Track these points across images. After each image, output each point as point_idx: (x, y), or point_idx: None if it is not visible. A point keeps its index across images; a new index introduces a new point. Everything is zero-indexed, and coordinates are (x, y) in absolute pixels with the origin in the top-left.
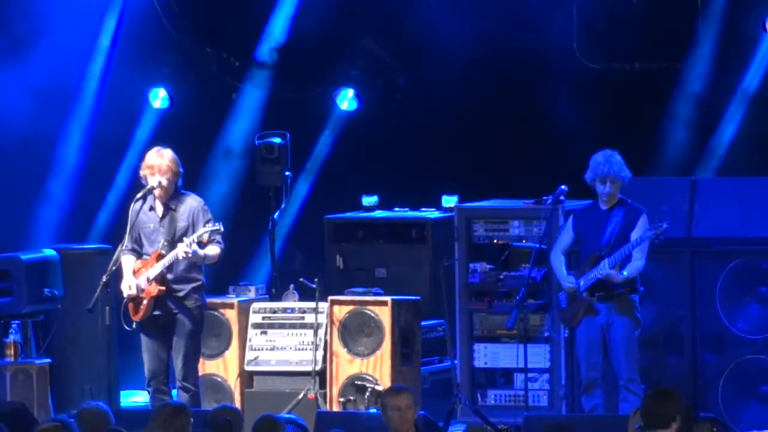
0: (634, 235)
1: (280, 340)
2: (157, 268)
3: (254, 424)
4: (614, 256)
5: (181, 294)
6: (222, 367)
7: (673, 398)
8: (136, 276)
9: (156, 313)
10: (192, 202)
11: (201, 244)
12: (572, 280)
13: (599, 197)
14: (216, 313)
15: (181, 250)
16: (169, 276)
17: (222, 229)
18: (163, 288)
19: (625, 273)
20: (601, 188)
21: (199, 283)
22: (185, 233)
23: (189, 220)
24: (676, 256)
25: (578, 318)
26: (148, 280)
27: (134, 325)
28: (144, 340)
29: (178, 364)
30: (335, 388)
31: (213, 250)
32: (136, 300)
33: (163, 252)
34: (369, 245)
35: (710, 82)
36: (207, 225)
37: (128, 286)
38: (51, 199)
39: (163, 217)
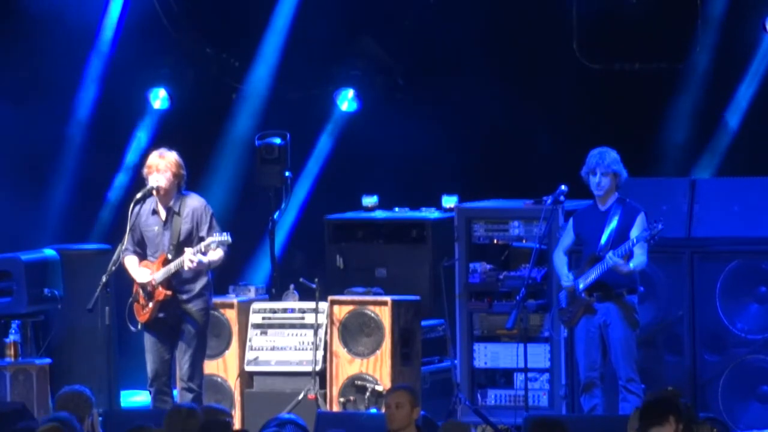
0: (633, 235)
1: (280, 341)
2: (162, 273)
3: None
4: (618, 249)
5: (188, 296)
6: (222, 368)
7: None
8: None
9: (162, 314)
10: (194, 203)
11: (206, 251)
12: (570, 278)
13: (594, 194)
14: (216, 313)
15: (186, 259)
16: (175, 279)
17: (230, 240)
18: (170, 292)
19: (631, 265)
20: (592, 181)
21: (206, 281)
22: (189, 235)
23: (192, 222)
24: (676, 256)
25: (577, 318)
26: (153, 284)
27: (140, 326)
28: (148, 341)
29: (183, 364)
30: (335, 389)
31: (217, 254)
32: (141, 301)
33: (169, 256)
34: (369, 245)
35: (710, 83)
36: (213, 233)
37: (142, 276)
38: (51, 199)
39: (166, 220)
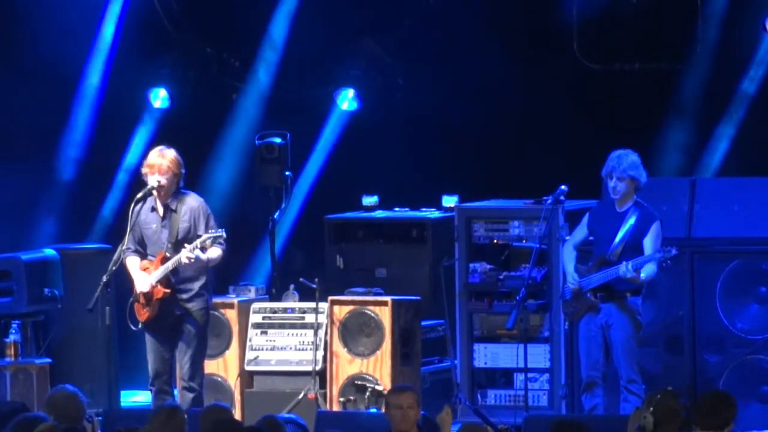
0: (646, 242)
1: (280, 340)
2: (161, 272)
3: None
4: (635, 261)
5: (187, 295)
6: (222, 367)
7: (733, 403)
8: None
9: (161, 313)
10: (192, 202)
11: (203, 248)
12: (577, 279)
13: (611, 196)
14: (216, 313)
15: (184, 255)
16: (174, 278)
17: (224, 235)
18: (168, 290)
19: (643, 275)
20: (608, 184)
21: (205, 280)
22: (187, 234)
23: (190, 221)
24: (676, 257)
25: (580, 314)
26: (152, 284)
27: (140, 326)
28: (149, 341)
29: (184, 364)
30: (335, 388)
31: (215, 252)
32: (142, 301)
33: (168, 254)
34: (369, 245)
35: (710, 83)
36: (210, 230)
37: (142, 283)
38: (51, 198)
39: (164, 217)
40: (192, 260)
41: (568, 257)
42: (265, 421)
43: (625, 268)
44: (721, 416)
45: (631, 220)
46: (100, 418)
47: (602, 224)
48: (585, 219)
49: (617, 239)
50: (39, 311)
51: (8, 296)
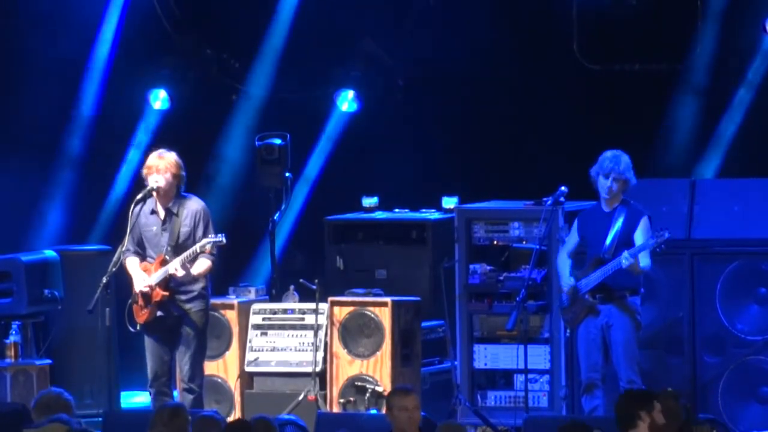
0: (637, 237)
1: (280, 341)
2: (160, 274)
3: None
4: (632, 250)
5: (186, 296)
6: (222, 368)
7: (633, 398)
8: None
9: (160, 315)
10: (194, 206)
11: (202, 251)
12: (572, 281)
13: (600, 195)
14: (216, 314)
15: (171, 268)
16: (173, 281)
17: (224, 241)
18: (167, 293)
19: (642, 263)
20: (603, 183)
21: (204, 282)
22: (188, 237)
23: (191, 224)
24: (676, 258)
25: (580, 318)
26: (151, 285)
27: (138, 327)
28: (148, 342)
29: (183, 365)
30: (335, 389)
31: (204, 264)
32: (140, 302)
33: (167, 257)
34: (369, 246)
35: (710, 83)
36: (209, 235)
37: (139, 282)
38: (51, 199)
39: (165, 221)
40: (177, 274)
41: (562, 264)
42: (257, 422)
43: (626, 257)
44: (627, 415)
45: (620, 219)
46: (100, 419)
47: (592, 227)
48: (574, 225)
49: (609, 238)
50: (39, 312)
51: (8, 297)
